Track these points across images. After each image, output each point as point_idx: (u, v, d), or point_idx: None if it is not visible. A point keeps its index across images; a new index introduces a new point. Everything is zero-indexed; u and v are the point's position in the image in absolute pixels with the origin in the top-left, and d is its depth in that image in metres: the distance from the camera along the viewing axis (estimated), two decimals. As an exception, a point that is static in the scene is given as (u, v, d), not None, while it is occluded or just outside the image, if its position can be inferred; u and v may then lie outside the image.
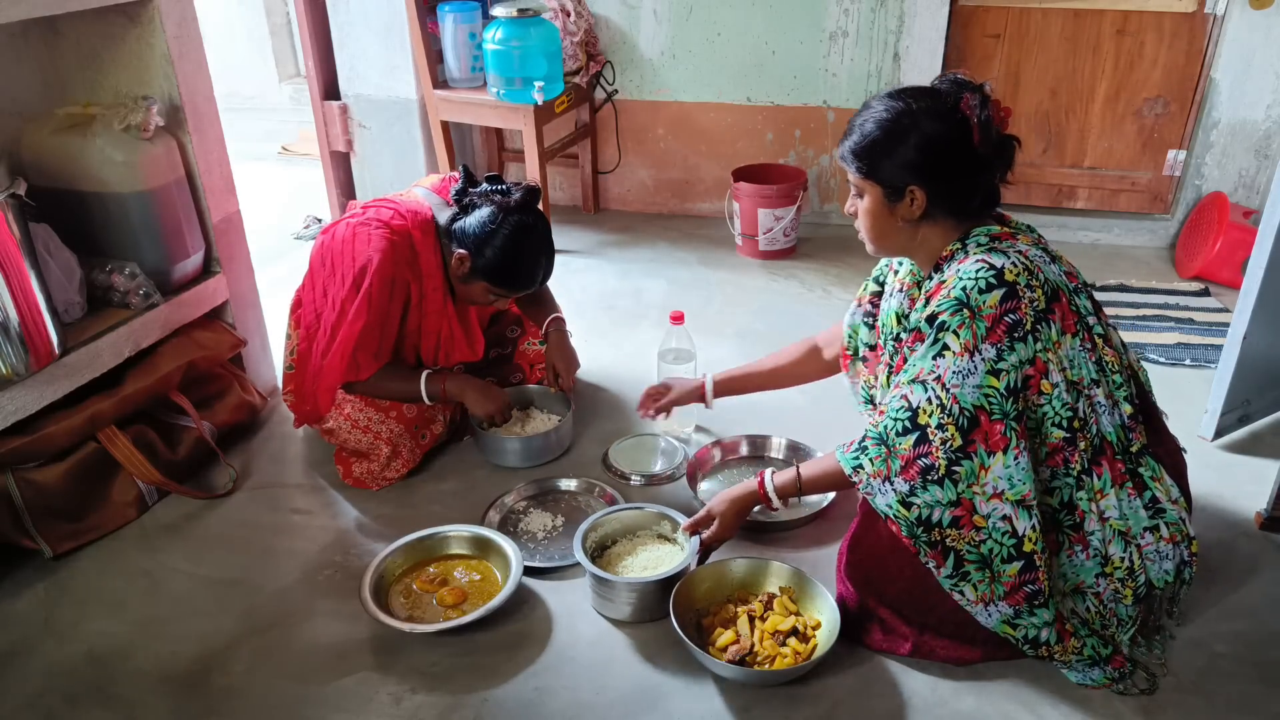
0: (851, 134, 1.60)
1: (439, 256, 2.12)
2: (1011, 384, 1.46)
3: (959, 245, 1.58)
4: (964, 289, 1.47)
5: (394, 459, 2.15)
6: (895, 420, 1.52)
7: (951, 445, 1.47)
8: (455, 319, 2.19)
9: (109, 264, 2.10)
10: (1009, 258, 1.50)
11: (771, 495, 1.74)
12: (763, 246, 3.41)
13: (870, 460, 1.54)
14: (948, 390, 1.47)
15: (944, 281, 1.53)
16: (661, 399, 2.18)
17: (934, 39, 3.34)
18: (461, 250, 2.05)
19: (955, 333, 1.47)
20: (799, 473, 1.71)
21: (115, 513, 2.03)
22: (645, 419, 2.24)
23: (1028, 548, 1.49)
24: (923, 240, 1.62)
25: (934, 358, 1.49)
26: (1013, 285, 1.46)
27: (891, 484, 1.51)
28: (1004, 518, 1.48)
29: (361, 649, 1.71)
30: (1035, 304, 1.47)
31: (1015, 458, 1.47)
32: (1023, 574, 1.50)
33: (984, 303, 1.46)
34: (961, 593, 1.53)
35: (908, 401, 1.51)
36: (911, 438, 1.49)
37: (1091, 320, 1.57)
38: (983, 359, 1.45)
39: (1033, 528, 1.48)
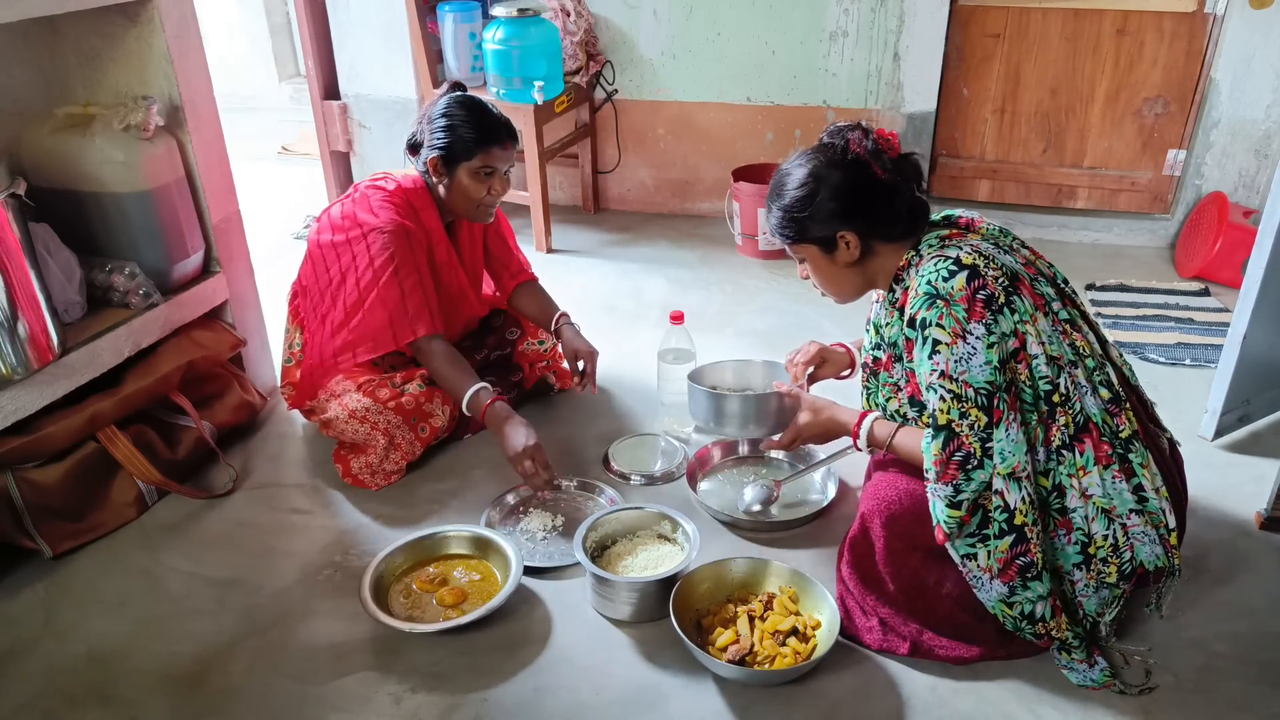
0: (772, 212, 1.71)
1: (435, 210, 2.18)
2: (1003, 355, 1.50)
3: (913, 253, 1.65)
4: (929, 282, 1.53)
5: (391, 451, 2.15)
6: (929, 430, 1.54)
7: (979, 425, 1.49)
8: (463, 271, 2.26)
9: (109, 264, 2.10)
10: (962, 250, 1.57)
11: (862, 441, 1.77)
12: (763, 246, 3.41)
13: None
14: (956, 380, 1.49)
15: (908, 288, 1.60)
16: (809, 369, 2.05)
17: (934, 39, 3.34)
18: (430, 157, 2.09)
19: (939, 325, 1.51)
20: (895, 435, 1.70)
21: (115, 513, 2.03)
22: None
23: (1019, 520, 1.51)
24: (876, 270, 1.71)
25: (930, 357, 1.52)
26: (973, 267, 1.52)
27: (936, 492, 1.53)
28: (997, 491, 1.50)
29: (361, 649, 1.71)
30: (1000, 280, 1.52)
31: (1006, 429, 1.49)
32: (1014, 547, 1.51)
33: (952, 288, 1.51)
34: (974, 558, 1.54)
35: (930, 407, 1.54)
36: (939, 440, 1.51)
37: (1056, 306, 1.60)
38: (975, 337, 1.49)
39: (1023, 499, 1.50)
